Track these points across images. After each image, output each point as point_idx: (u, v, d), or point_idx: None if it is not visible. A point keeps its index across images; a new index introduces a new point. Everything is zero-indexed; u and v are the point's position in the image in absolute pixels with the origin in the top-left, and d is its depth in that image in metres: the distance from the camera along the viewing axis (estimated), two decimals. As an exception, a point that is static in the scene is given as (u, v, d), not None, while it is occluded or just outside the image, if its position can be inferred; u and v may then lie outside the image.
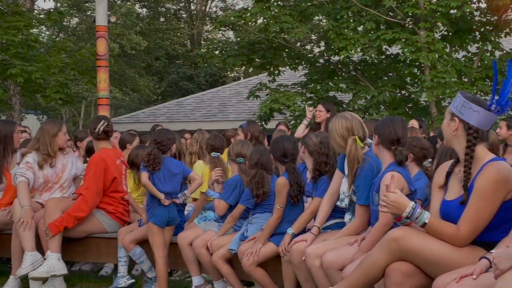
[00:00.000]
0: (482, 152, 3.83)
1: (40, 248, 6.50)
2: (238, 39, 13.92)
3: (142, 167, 6.18)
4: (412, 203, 3.75)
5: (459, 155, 3.88)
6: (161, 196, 6.09)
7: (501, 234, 3.70)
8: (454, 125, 3.85)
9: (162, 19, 33.40)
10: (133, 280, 6.50)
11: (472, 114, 3.79)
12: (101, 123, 6.71)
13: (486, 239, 3.73)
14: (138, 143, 7.74)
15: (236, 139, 7.65)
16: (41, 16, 19.40)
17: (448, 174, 3.94)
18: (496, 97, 3.82)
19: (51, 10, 16.47)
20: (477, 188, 3.72)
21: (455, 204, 3.82)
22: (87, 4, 29.02)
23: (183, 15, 35.84)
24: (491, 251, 3.47)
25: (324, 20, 12.64)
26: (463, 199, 3.77)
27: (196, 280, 6.12)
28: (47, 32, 29.14)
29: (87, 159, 7.33)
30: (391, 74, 12.86)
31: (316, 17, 13.63)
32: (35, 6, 25.15)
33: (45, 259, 6.34)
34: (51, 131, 6.78)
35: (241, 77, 31.33)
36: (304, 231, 5.23)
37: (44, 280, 6.39)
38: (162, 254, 6.15)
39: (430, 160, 5.44)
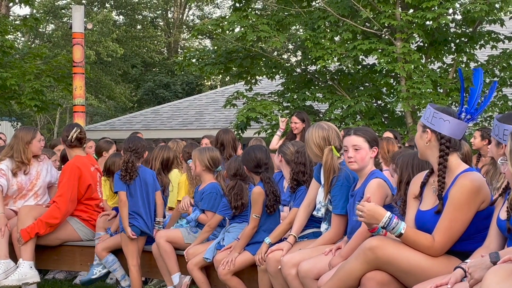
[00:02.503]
0: (456, 162, 3.87)
1: (15, 256, 6.43)
2: (215, 47, 13.91)
3: (120, 184, 6.10)
4: (388, 213, 3.77)
5: (433, 165, 3.92)
6: (129, 230, 6.06)
7: (475, 243, 3.74)
8: (427, 136, 3.89)
9: (139, 27, 33.31)
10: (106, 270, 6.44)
11: (443, 123, 3.83)
12: (74, 130, 6.65)
13: (460, 249, 3.77)
14: (114, 151, 7.69)
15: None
16: (17, 22, 19.26)
17: (423, 185, 3.97)
18: (465, 106, 3.88)
19: (27, 16, 16.31)
20: (451, 198, 3.75)
21: (430, 214, 3.84)
22: (63, 11, 28.89)
23: (160, 23, 35.79)
24: (466, 261, 3.50)
25: (301, 30, 12.67)
26: (438, 209, 3.80)
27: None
28: (23, 38, 28.95)
29: (62, 166, 7.27)
30: (367, 84, 12.93)
31: (293, 27, 13.67)
32: (10, 12, 24.99)
33: (17, 267, 6.27)
34: (25, 138, 6.72)
35: (218, 86, 31.33)
36: (280, 240, 5.23)
37: (17, 288, 6.33)
38: (136, 262, 6.12)
39: None
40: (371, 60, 12.93)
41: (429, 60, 12.44)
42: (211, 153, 6.04)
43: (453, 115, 3.86)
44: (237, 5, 13.03)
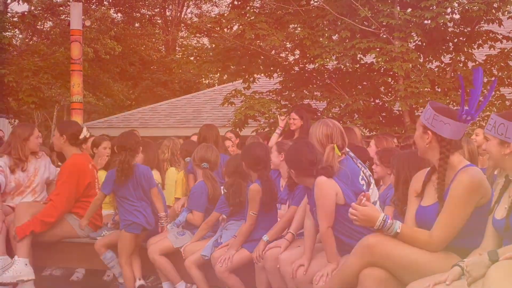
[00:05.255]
0: (457, 159, 3.87)
1: (13, 253, 6.42)
2: (213, 45, 13.87)
3: (107, 184, 6.10)
4: (382, 215, 3.80)
5: (435, 164, 3.91)
6: (84, 223, 6.23)
7: (474, 240, 3.74)
8: (427, 137, 3.88)
9: (137, 25, 33.21)
10: None
11: (444, 126, 3.82)
12: (85, 130, 6.64)
13: (459, 245, 3.77)
14: (106, 147, 7.66)
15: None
16: (15, 19, 19.22)
17: (425, 183, 3.97)
18: (466, 107, 3.85)
19: (25, 13, 16.30)
20: (451, 194, 3.76)
21: (432, 209, 3.85)
22: (61, 8, 28.79)
23: (158, 21, 35.71)
24: (464, 259, 3.50)
25: (299, 28, 12.64)
26: (438, 209, 3.80)
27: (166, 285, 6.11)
28: (21, 35, 28.88)
29: (59, 163, 7.26)
30: (365, 83, 12.91)
31: (292, 25, 13.63)
32: (8, 9, 24.92)
33: (13, 264, 6.25)
34: (23, 135, 6.72)
35: (216, 84, 31.28)
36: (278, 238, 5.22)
37: (14, 285, 6.31)
38: (129, 261, 6.12)
39: None
40: (369, 59, 12.92)
41: (427, 59, 12.43)
42: (201, 152, 6.07)
43: (453, 117, 3.83)
44: (236, 2, 13.02)
